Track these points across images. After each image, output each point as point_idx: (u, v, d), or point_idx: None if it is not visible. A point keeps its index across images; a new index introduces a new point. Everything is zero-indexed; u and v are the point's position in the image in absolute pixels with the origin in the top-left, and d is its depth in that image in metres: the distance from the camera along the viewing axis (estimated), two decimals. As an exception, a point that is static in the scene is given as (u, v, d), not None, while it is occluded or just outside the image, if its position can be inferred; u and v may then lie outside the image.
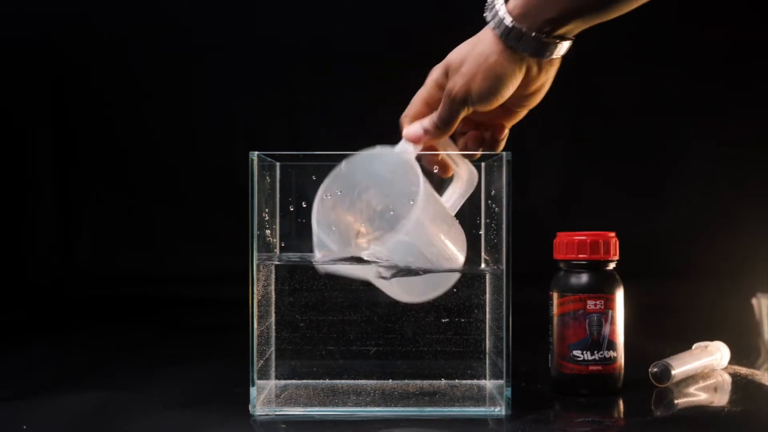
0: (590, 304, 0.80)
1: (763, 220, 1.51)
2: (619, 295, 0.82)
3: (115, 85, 1.65)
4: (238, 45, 1.63)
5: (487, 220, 0.81)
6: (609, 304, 0.80)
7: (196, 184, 1.65)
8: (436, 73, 0.74)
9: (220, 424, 0.71)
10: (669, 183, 1.59)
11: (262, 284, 0.78)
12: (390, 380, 0.81)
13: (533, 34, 0.68)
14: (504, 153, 0.75)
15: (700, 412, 0.76)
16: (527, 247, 1.00)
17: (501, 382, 0.75)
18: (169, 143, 1.65)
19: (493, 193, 0.79)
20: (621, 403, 0.79)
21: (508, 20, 0.68)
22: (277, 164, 0.81)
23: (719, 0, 1.56)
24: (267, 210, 0.79)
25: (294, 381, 0.82)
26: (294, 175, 0.81)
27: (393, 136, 0.76)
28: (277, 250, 0.82)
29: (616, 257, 0.82)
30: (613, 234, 0.82)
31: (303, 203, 0.81)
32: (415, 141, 0.74)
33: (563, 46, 0.70)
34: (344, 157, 0.75)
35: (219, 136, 1.64)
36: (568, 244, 0.82)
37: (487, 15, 0.70)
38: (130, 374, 0.93)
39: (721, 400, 0.81)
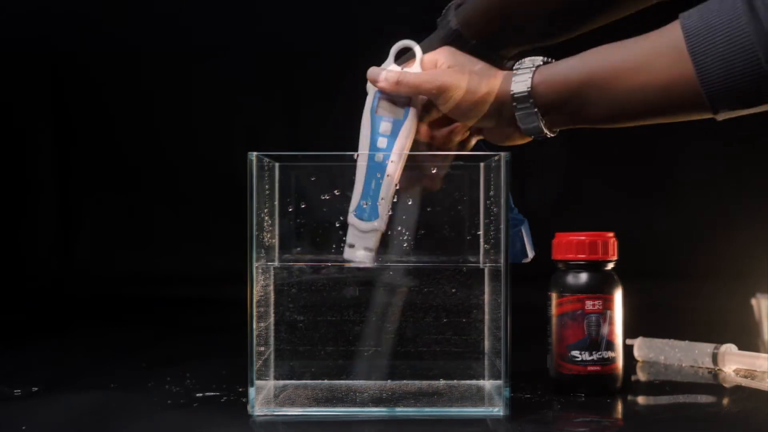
0: (589, 305, 0.80)
1: (763, 220, 1.51)
2: (618, 295, 0.82)
3: (115, 85, 1.65)
4: (239, 45, 1.63)
5: (487, 220, 0.81)
6: (607, 304, 0.80)
7: (195, 184, 1.65)
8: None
9: (219, 424, 0.71)
10: (669, 183, 1.59)
11: (261, 284, 0.78)
12: (389, 380, 0.81)
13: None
14: (503, 153, 0.75)
15: (700, 412, 0.76)
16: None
17: (500, 382, 0.75)
18: (169, 143, 1.65)
19: (492, 193, 0.79)
20: (620, 403, 0.79)
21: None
22: (277, 164, 0.81)
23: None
24: (266, 210, 0.79)
25: (293, 381, 0.82)
26: (294, 175, 0.81)
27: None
28: (276, 251, 0.82)
29: (615, 257, 0.82)
30: (611, 234, 0.82)
31: (302, 204, 0.81)
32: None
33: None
34: (344, 157, 0.76)
35: (219, 136, 1.64)
36: (567, 244, 0.82)
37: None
38: (130, 374, 0.93)
39: (721, 400, 0.81)
